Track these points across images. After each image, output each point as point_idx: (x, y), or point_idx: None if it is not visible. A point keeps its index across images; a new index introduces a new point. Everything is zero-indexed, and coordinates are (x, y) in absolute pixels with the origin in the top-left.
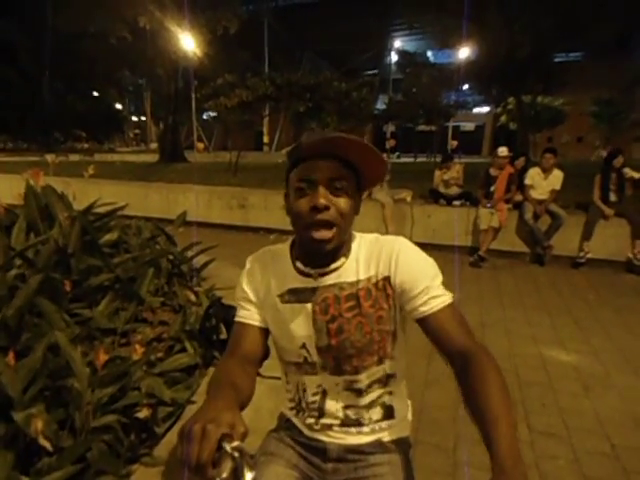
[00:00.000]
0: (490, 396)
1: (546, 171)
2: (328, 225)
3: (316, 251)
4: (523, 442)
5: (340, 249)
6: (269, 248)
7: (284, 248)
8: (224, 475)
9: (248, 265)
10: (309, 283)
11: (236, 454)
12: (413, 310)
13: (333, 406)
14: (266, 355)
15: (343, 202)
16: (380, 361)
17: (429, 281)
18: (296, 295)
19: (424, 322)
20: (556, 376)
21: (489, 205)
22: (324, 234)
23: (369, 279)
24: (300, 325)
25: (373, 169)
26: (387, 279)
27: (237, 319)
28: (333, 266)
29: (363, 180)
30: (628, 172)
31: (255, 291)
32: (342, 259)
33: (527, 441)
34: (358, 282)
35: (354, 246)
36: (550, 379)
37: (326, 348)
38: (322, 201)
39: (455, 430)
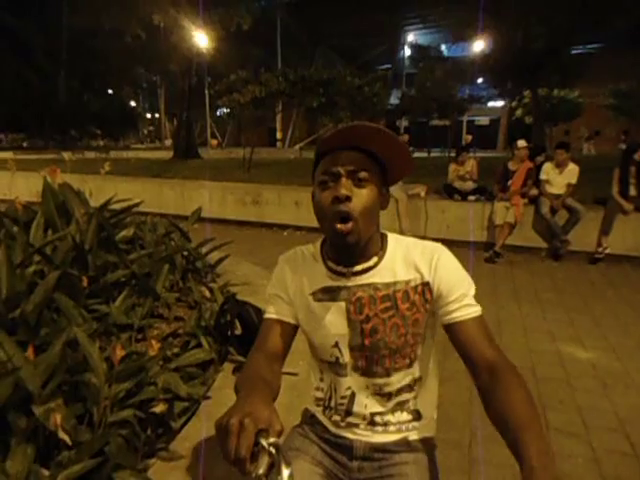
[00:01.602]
0: (517, 405)
1: (560, 166)
2: (350, 218)
3: (341, 245)
4: None
5: (369, 246)
6: (300, 248)
7: (315, 247)
8: (261, 471)
9: (279, 264)
10: (342, 282)
11: (273, 450)
12: (445, 315)
13: (360, 409)
14: None
15: (366, 194)
16: (410, 364)
17: (465, 290)
18: (329, 293)
19: (453, 328)
20: (574, 373)
21: (505, 197)
22: (346, 226)
23: (408, 282)
24: (334, 323)
25: (397, 160)
26: (427, 284)
27: (266, 315)
28: (366, 265)
29: (389, 173)
30: None
31: (285, 289)
32: (374, 258)
33: None
34: (395, 284)
35: (390, 247)
36: (568, 376)
37: (359, 348)
38: (344, 191)
39: (471, 427)
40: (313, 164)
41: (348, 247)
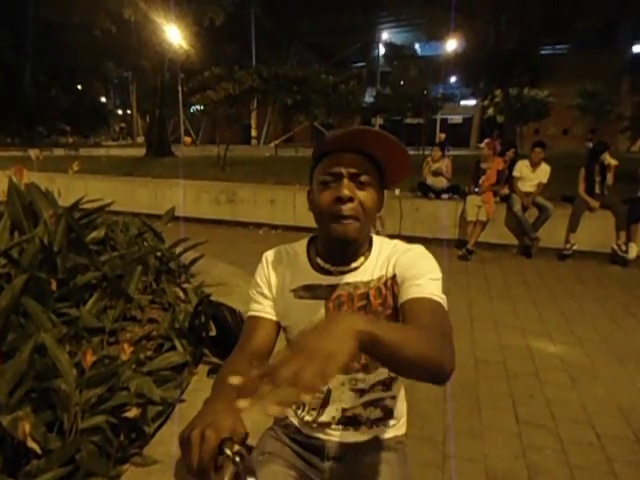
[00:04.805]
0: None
1: (535, 165)
2: (351, 219)
3: (339, 246)
4: (511, 433)
5: (361, 247)
6: (283, 246)
7: (301, 245)
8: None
9: (262, 262)
10: (325, 280)
11: (237, 458)
12: (399, 299)
13: (334, 405)
14: None
15: (367, 196)
16: None
17: (418, 271)
18: (311, 291)
19: (401, 308)
20: (543, 367)
21: (476, 190)
22: (347, 229)
23: (380, 278)
24: (312, 321)
25: (398, 165)
26: (394, 277)
27: (249, 313)
28: (353, 265)
29: (387, 177)
30: (607, 159)
31: (268, 285)
32: (362, 259)
33: (515, 432)
34: (370, 282)
35: (375, 248)
36: (537, 370)
37: None
38: (346, 192)
39: (444, 423)
40: (312, 163)
41: (345, 247)
